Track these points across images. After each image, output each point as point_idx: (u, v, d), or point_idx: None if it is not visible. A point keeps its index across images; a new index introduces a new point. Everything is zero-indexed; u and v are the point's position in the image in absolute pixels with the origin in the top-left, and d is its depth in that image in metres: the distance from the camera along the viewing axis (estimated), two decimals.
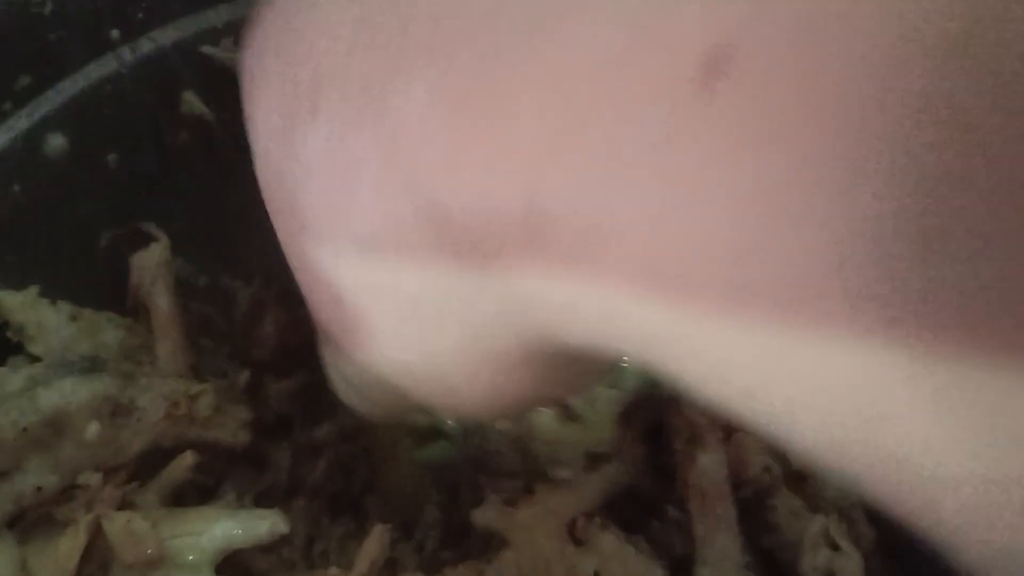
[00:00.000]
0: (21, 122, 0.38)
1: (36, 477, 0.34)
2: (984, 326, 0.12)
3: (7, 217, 0.39)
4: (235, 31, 0.40)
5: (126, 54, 0.39)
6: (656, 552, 0.38)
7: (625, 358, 0.19)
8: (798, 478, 0.40)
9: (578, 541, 0.38)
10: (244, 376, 0.42)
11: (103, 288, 0.42)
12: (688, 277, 0.15)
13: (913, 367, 0.13)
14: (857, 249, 0.12)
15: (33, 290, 0.40)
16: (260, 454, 0.41)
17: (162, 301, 0.40)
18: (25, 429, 0.34)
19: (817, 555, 0.38)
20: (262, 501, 0.40)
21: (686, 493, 0.38)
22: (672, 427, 0.39)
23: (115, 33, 0.38)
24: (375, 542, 0.34)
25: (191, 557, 0.33)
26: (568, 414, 0.43)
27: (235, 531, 0.33)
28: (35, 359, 0.40)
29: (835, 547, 0.38)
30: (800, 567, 0.38)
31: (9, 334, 0.40)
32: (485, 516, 0.36)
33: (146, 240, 0.42)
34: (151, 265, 0.41)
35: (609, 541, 0.38)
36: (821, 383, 0.14)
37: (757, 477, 0.39)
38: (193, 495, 0.39)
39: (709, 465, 0.38)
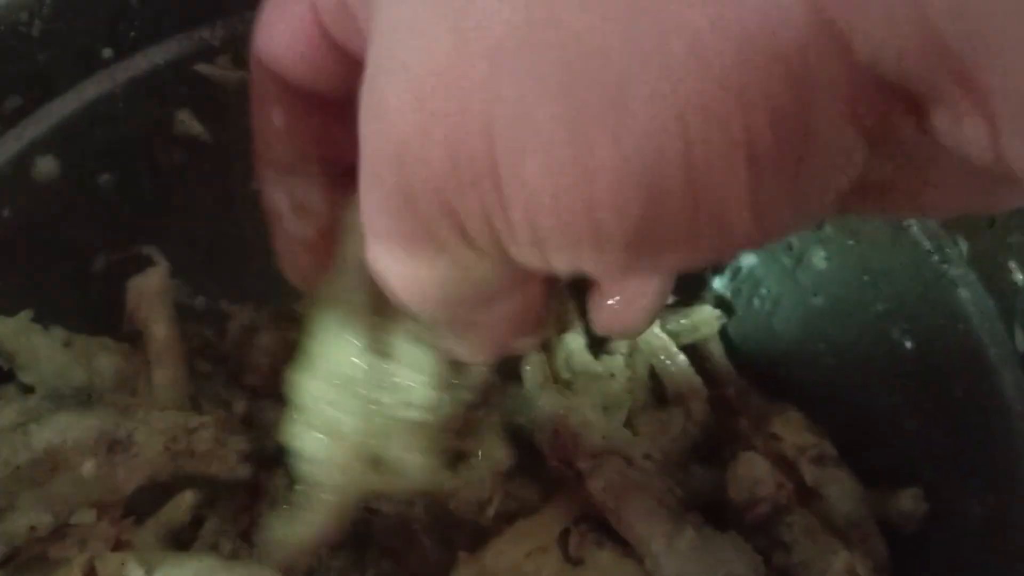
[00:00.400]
0: (10, 145, 0.37)
1: (29, 516, 0.33)
2: None
3: None
4: (230, 49, 0.39)
5: (118, 73, 0.37)
6: None
7: None
8: (810, 496, 0.39)
9: (575, 561, 0.38)
10: (241, 405, 0.40)
11: (97, 313, 0.41)
12: None
13: None
14: None
15: (25, 316, 0.39)
16: (254, 483, 0.40)
17: (160, 329, 0.39)
18: (18, 467, 0.33)
19: None
20: (253, 532, 0.39)
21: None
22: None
23: (107, 52, 0.37)
24: None
25: None
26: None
27: None
28: (27, 388, 0.39)
29: None
30: None
31: (0, 362, 0.39)
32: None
33: (142, 263, 0.41)
34: (148, 290, 0.40)
35: (606, 558, 0.37)
36: None
37: (772, 495, 0.38)
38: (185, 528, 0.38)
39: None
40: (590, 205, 0.16)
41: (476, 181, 0.17)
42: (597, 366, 0.44)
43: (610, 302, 0.28)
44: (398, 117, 0.17)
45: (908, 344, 0.39)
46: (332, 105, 0.26)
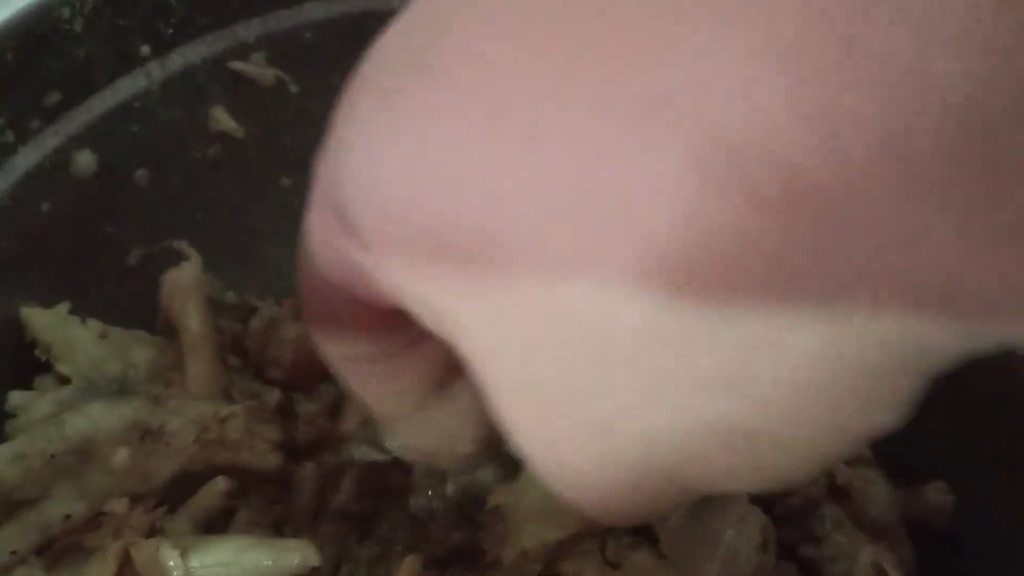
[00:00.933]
0: (49, 140, 0.37)
1: (64, 505, 0.34)
2: None
3: (36, 235, 0.38)
4: (264, 47, 0.39)
5: (155, 70, 0.38)
6: None
7: None
8: (842, 493, 0.39)
9: (613, 564, 0.38)
10: (275, 396, 0.41)
11: (133, 306, 0.42)
12: None
13: None
14: None
15: (63, 308, 0.40)
16: (285, 476, 0.40)
17: (193, 321, 0.39)
18: (53, 456, 0.33)
19: None
20: (285, 524, 0.39)
21: None
22: None
23: (145, 49, 0.38)
24: (405, 573, 0.33)
25: None
26: None
27: (265, 562, 0.33)
28: (63, 378, 0.39)
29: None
30: None
31: (37, 352, 0.39)
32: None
33: (176, 258, 0.42)
34: (182, 284, 0.40)
35: (643, 559, 0.37)
36: None
37: (804, 488, 0.38)
38: (217, 518, 0.38)
39: None
40: None
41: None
42: None
43: None
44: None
45: None
46: None
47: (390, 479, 0.40)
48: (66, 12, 0.35)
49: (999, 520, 0.37)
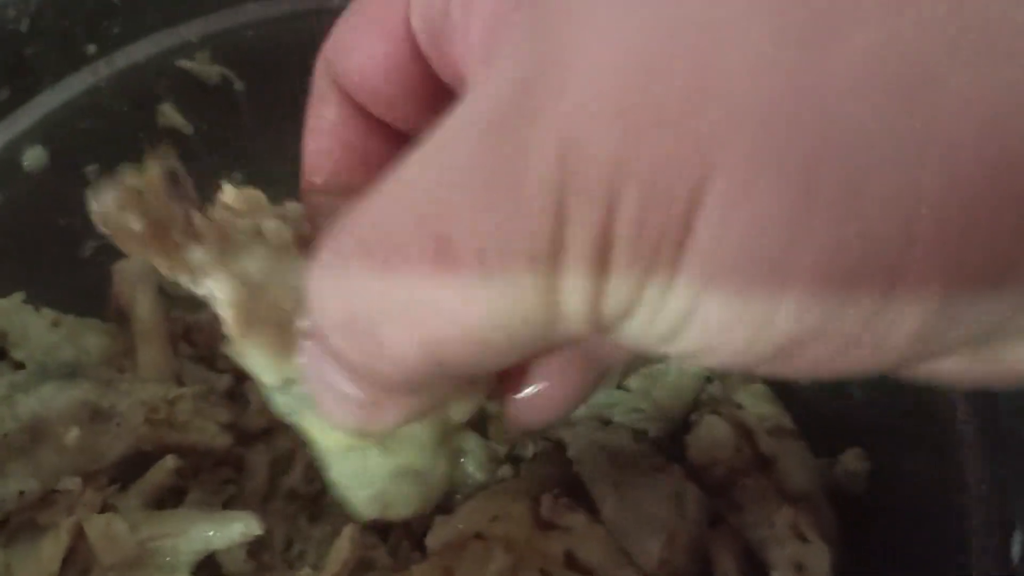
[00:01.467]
0: (0, 135, 0.39)
1: (18, 482, 0.35)
2: None
3: None
4: (208, 45, 0.41)
5: (102, 68, 0.40)
6: None
7: None
8: (766, 464, 0.41)
9: (546, 524, 0.39)
10: (225, 381, 0.42)
11: (86, 295, 0.43)
12: None
13: None
14: None
15: (17, 297, 0.41)
16: (237, 458, 0.42)
17: (143, 310, 0.41)
18: (5, 435, 0.35)
19: (786, 547, 0.39)
20: (236, 504, 0.41)
21: None
22: None
23: (91, 48, 0.39)
24: (345, 542, 0.35)
25: (168, 559, 0.34)
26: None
27: (210, 532, 0.34)
28: (18, 364, 0.41)
29: (804, 539, 0.39)
30: (769, 557, 0.39)
31: None
32: (437, 538, 0.37)
33: None
34: (133, 274, 0.42)
35: (578, 521, 0.39)
36: None
37: (729, 459, 0.40)
38: (168, 498, 0.40)
39: None
40: None
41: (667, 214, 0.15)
42: None
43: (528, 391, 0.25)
44: (577, 120, 0.16)
45: None
46: (391, 135, 0.24)
47: None
48: (11, 12, 0.36)
49: (908, 487, 0.39)
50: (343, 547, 0.34)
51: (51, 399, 0.35)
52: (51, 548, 0.35)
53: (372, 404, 0.21)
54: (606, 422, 0.42)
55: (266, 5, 0.41)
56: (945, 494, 0.38)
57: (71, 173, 0.41)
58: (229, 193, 0.23)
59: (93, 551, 0.35)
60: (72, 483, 0.36)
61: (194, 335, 0.45)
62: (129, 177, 0.21)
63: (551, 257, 0.16)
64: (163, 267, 0.22)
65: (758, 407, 0.42)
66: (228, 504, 0.41)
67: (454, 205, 0.17)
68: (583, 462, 0.40)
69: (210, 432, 0.39)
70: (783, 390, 0.43)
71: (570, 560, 0.38)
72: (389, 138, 0.24)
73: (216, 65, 0.41)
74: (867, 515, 0.41)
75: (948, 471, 0.37)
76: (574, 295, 0.17)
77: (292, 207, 0.25)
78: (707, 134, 0.15)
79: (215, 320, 0.44)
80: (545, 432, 0.42)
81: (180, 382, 0.43)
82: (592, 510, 0.40)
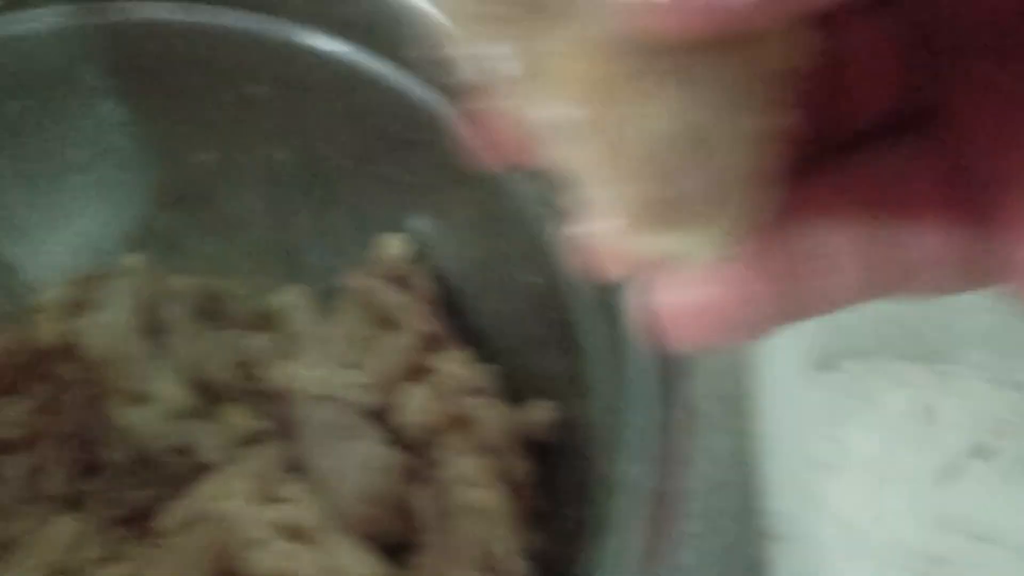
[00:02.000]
0: None
1: None
2: None
3: None
4: None
5: None
6: None
7: None
8: (461, 422, 0.46)
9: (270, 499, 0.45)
10: None
11: None
12: None
13: None
14: None
15: None
16: None
17: None
18: None
19: (468, 492, 0.45)
20: None
21: None
22: None
23: None
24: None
25: None
26: None
27: None
28: None
29: (490, 486, 0.45)
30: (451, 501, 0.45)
31: None
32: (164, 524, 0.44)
33: None
34: None
35: (297, 491, 0.45)
36: None
37: (424, 420, 0.46)
38: None
39: None
40: None
41: None
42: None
43: None
44: None
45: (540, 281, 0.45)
46: None
47: None
48: None
49: (586, 432, 0.45)
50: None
51: None
52: None
53: None
54: (325, 397, 0.47)
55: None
56: (607, 434, 0.42)
57: None
58: None
59: None
60: None
61: None
62: None
63: None
64: None
65: (458, 369, 0.47)
66: None
67: None
68: (303, 436, 0.46)
69: None
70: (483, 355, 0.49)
71: (285, 527, 0.43)
72: None
73: None
74: (554, 457, 0.47)
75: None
76: None
77: None
78: None
79: None
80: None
81: None
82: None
